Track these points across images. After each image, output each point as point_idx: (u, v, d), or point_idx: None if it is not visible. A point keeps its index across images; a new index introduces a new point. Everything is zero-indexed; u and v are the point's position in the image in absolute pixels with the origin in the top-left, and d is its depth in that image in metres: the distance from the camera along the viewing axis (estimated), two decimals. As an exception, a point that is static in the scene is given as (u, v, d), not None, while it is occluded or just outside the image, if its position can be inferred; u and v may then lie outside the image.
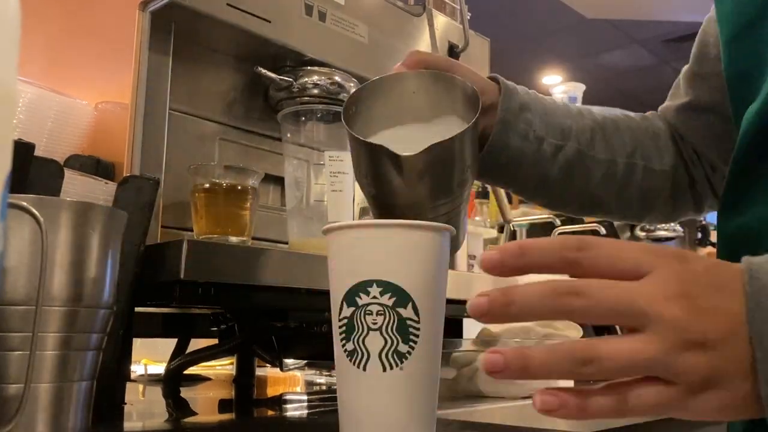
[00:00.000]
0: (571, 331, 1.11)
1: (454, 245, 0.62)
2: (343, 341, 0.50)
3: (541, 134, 0.70)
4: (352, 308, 0.49)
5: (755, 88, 0.57)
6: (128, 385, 0.77)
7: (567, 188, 0.73)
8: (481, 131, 0.65)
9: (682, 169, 0.80)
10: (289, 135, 0.94)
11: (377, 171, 0.57)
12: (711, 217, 2.42)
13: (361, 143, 0.57)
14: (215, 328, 1.09)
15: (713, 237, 2.42)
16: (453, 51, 1.17)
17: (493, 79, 0.70)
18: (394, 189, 0.57)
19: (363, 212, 1.02)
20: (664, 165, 0.78)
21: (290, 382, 1.18)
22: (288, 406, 0.88)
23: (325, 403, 0.90)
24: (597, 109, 0.79)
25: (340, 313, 0.50)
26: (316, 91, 0.94)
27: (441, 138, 0.55)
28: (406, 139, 0.59)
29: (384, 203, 0.59)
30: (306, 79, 0.95)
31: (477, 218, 1.67)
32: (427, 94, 0.61)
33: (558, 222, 1.77)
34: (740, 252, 0.53)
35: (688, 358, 0.36)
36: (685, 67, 0.81)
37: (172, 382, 1.03)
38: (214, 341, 1.06)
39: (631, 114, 0.82)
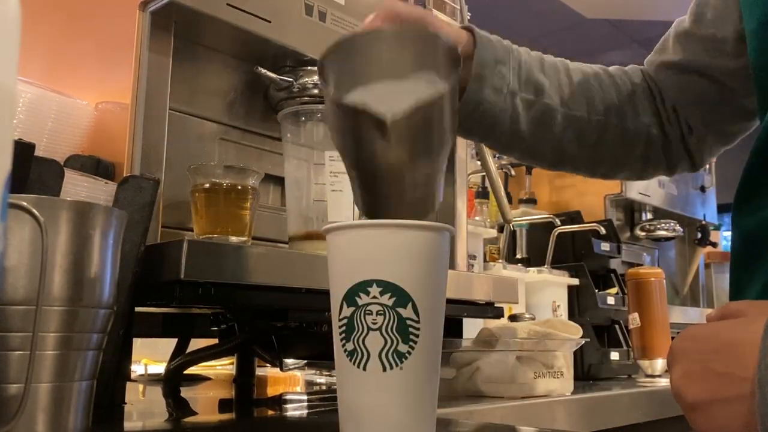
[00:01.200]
0: (571, 330, 1.11)
1: (431, 207, 0.60)
2: (343, 341, 0.50)
3: (514, 89, 0.70)
4: (352, 308, 0.50)
5: None
6: (128, 385, 0.77)
7: (538, 143, 0.74)
8: None
9: (656, 128, 0.79)
10: (289, 135, 0.94)
11: (357, 134, 0.55)
12: (711, 217, 2.41)
13: (341, 105, 0.55)
14: (215, 328, 1.09)
15: (713, 237, 2.42)
16: (453, 51, 1.17)
17: (468, 29, 0.70)
18: (374, 152, 0.54)
19: (363, 212, 1.02)
20: (638, 124, 0.78)
21: (290, 382, 1.18)
22: (288, 406, 0.88)
23: (325, 403, 0.90)
24: (577, 65, 0.78)
25: (340, 313, 0.50)
26: (316, 91, 0.94)
27: (419, 96, 0.53)
28: (382, 97, 0.56)
29: (363, 169, 0.57)
30: (306, 79, 0.95)
31: (477, 218, 1.67)
32: (402, 50, 0.59)
33: (558, 222, 1.77)
34: (759, 247, 0.53)
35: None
36: (679, 24, 0.79)
37: (172, 382, 1.03)
38: (214, 341, 1.06)
39: (611, 69, 0.81)
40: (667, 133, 0.79)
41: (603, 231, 1.68)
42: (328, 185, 0.87)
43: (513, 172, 2.01)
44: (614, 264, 1.81)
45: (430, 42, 0.59)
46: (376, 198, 0.57)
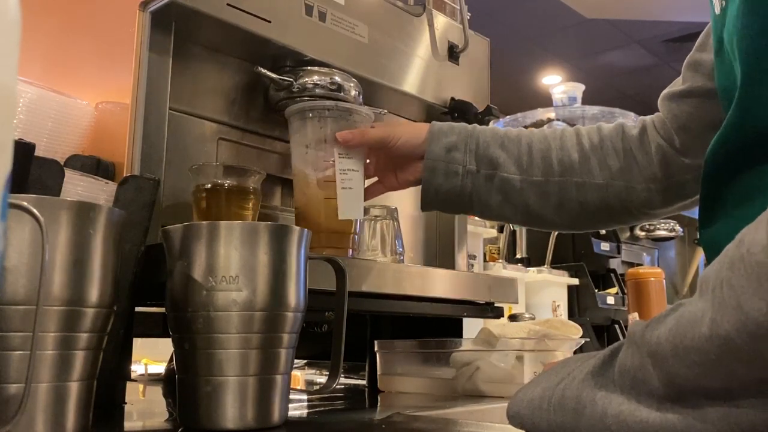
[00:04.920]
0: (571, 330, 1.11)
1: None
2: None
3: (472, 168, 0.81)
4: None
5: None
6: (128, 384, 0.77)
7: (507, 208, 0.83)
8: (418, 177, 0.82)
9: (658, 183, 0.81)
10: (296, 131, 0.92)
11: None
12: (711, 217, 2.41)
13: None
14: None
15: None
16: (453, 51, 1.17)
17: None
18: None
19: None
20: (636, 182, 0.80)
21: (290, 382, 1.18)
22: (288, 405, 0.87)
23: (324, 403, 0.90)
24: (579, 134, 0.83)
25: None
26: (316, 91, 0.94)
27: None
28: None
29: None
30: (306, 79, 0.95)
31: (477, 218, 1.67)
32: None
33: (558, 222, 1.77)
34: (711, 260, 0.56)
35: None
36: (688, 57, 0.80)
37: (172, 381, 1.02)
38: (214, 341, 1.05)
39: (606, 128, 0.84)
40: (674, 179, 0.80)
41: (603, 231, 1.68)
42: (338, 182, 0.85)
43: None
44: (614, 264, 1.82)
45: None
46: None
